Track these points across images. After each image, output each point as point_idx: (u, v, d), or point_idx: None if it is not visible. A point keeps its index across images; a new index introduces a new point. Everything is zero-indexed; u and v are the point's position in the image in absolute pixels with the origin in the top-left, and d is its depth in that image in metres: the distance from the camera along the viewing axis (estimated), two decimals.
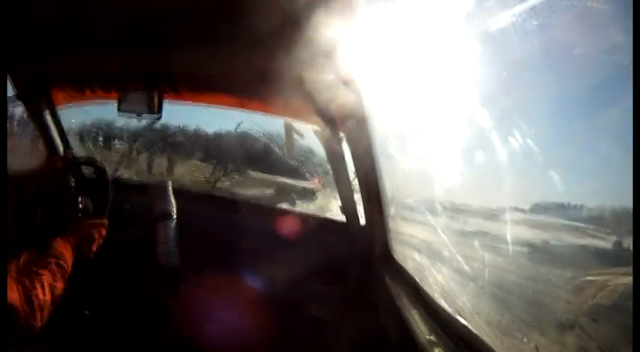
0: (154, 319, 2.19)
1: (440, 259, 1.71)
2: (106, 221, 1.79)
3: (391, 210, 1.83)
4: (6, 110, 2.19)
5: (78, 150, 2.68)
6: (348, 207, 2.10)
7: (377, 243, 1.91)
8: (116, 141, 3.15)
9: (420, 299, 1.47)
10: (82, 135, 2.83)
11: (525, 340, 1.23)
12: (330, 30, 1.23)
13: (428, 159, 1.73)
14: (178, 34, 1.69)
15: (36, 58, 2.11)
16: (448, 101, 1.50)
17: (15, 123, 2.79)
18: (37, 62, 2.15)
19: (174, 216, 2.11)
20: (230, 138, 3.22)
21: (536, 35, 1.07)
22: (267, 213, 2.45)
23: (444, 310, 1.34)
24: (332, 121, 1.78)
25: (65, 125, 2.59)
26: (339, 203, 2.14)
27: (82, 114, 2.72)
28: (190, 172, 3.19)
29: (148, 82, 2.11)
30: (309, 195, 3.00)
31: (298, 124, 2.27)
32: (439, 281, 1.60)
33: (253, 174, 3.25)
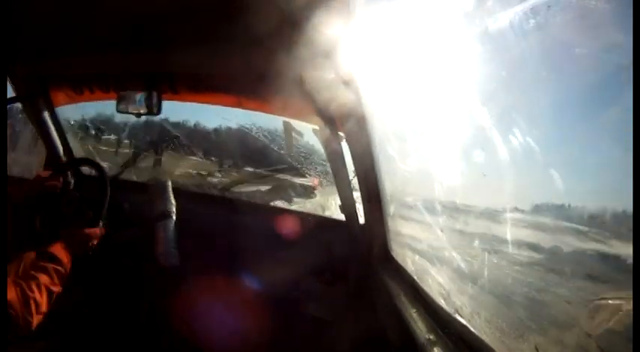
0: (154, 319, 2.19)
1: (439, 259, 1.71)
2: (103, 230, 1.82)
3: (391, 210, 1.83)
4: (6, 110, 2.19)
5: (76, 149, 2.68)
6: (347, 207, 2.11)
7: (376, 243, 1.91)
8: (111, 136, 3.14)
9: (420, 299, 1.47)
10: (78, 130, 2.82)
11: (525, 340, 1.23)
12: (329, 30, 1.23)
13: (427, 158, 1.72)
14: (177, 34, 1.69)
15: (35, 58, 2.11)
16: (448, 100, 1.49)
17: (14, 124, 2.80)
18: (36, 62, 2.15)
19: (174, 216, 2.11)
20: (226, 134, 3.21)
21: (536, 34, 1.07)
22: (267, 212, 2.45)
23: (443, 310, 1.34)
24: (331, 121, 1.78)
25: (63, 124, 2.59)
26: (339, 202, 2.14)
27: (77, 110, 2.72)
28: (185, 167, 3.18)
29: (147, 82, 2.11)
30: (306, 192, 2.99)
31: (298, 124, 2.27)
32: (438, 281, 1.60)
33: (249, 170, 3.25)
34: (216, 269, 2.12)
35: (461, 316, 1.28)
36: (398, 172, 1.81)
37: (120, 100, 2.19)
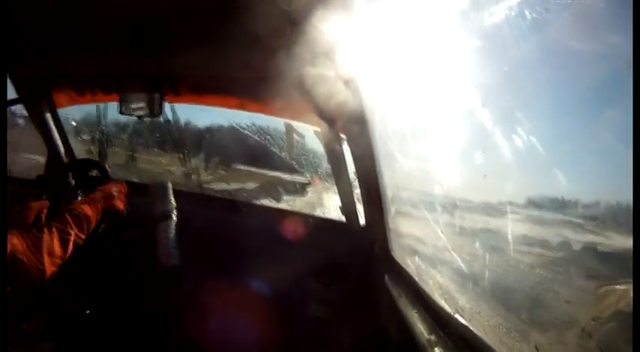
0: (154, 319, 2.19)
1: (440, 258, 1.71)
2: (124, 183, 1.79)
3: (391, 210, 1.83)
4: (6, 110, 2.20)
5: (78, 150, 2.69)
6: (348, 207, 2.11)
7: (377, 244, 1.91)
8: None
9: (420, 299, 1.47)
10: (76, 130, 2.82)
11: (526, 340, 1.22)
12: (329, 30, 1.23)
13: (428, 157, 1.72)
14: (178, 34, 1.69)
15: (36, 59, 2.12)
16: (449, 99, 1.50)
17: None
18: (38, 63, 2.16)
19: (175, 217, 2.11)
20: (219, 133, 3.21)
21: (537, 32, 1.07)
22: (268, 213, 2.45)
23: (443, 310, 1.34)
24: (332, 122, 1.79)
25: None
26: (339, 203, 2.15)
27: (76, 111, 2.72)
28: (172, 164, 3.17)
29: (149, 84, 2.12)
30: (300, 189, 2.98)
31: (298, 125, 2.27)
32: (439, 281, 1.60)
33: (243, 167, 3.25)
34: (217, 269, 2.12)
35: (461, 316, 1.27)
36: (398, 172, 1.81)
37: (122, 102, 2.19)
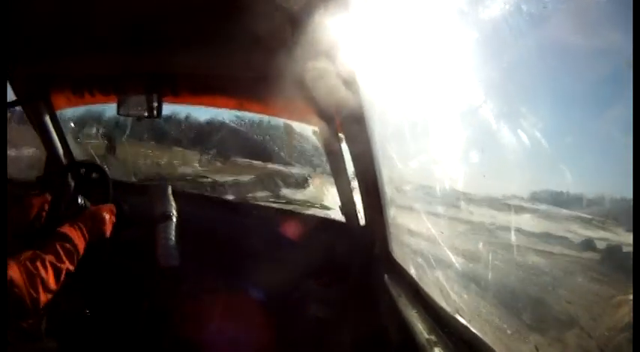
0: (154, 320, 2.19)
1: (440, 258, 1.71)
2: (113, 206, 1.78)
3: (391, 210, 1.83)
4: (6, 110, 2.20)
5: (76, 152, 2.68)
6: (347, 207, 2.11)
7: (377, 244, 1.91)
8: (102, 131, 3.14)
9: (420, 300, 1.47)
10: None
11: (525, 340, 1.23)
12: (329, 29, 1.23)
13: (428, 156, 1.73)
14: (177, 34, 1.69)
15: (35, 60, 2.11)
16: (449, 97, 1.50)
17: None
18: (36, 64, 2.16)
19: (174, 218, 2.11)
20: (218, 126, 3.21)
21: (537, 28, 1.07)
22: (267, 213, 2.44)
23: (443, 310, 1.34)
24: (331, 122, 1.78)
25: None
26: (339, 203, 2.15)
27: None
28: (174, 159, 3.17)
29: (148, 85, 2.12)
30: (299, 182, 2.98)
31: (298, 125, 2.27)
32: (439, 281, 1.60)
33: (238, 160, 3.24)
34: (217, 270, 2.12)
35: (461, 316, 1.27)
36: (398, 172, 1.81)
37: (120, 103, 2.19)
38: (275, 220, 2.26)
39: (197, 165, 3.23)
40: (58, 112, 2.53)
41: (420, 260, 1.81)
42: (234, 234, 2.23)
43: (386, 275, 1.76)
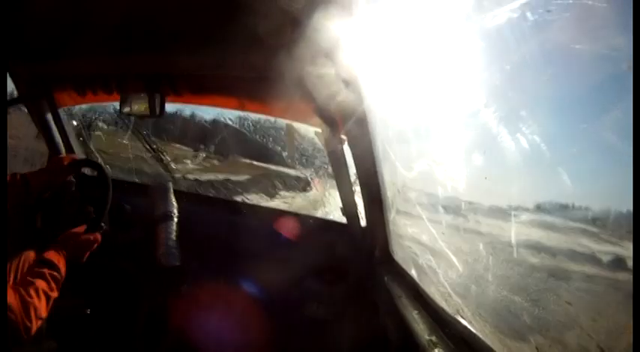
0: (155, 319, 2.19)
1: (441, 260, 1.71)
2: (99, 236, 1.79)
3: (392, 212, 1.83)
4: (6, 110, 2.20)
5: (78, 150, 2.69)
6: (349, 209, 2.11)
7: (378, 245, 1.91)
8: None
9: (421, 300, 1.47)
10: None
11: (526, 341, 1.22)
12: (331, 30, 1.23)
13: (429, 159, 1.72)
14: (179, 34, 1.69)
15: (37, 59, 2.12)
16: (451, 100, 1.50)
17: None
18: (39, 63, 2.16)
19: (175, 217, 2.11)
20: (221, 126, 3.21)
21: (539, 32, 1.07)
22: (268, 214, 2.45)
23: (444, 311, 1.34)
24: (333, 123, 1.78)
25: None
26: (340, 204, 2.14)
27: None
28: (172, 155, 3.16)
29: (150, 84, 2.12)
30: (300, 184, 2.98)
31: (299, 126, 2.27)
32: (440, 282, 1.60)
33: (237, 159, 3.24)
34: (218, 270, 2.12)
35: (462, 317, 1.27)
36: (399, 174, 1.81)
37: (123, 102, 2.19)
38: (276, 221, 2.26)
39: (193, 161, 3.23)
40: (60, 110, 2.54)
41: (420, 261, 1.81)
42: (235, 235, 2.23)
43: (386, 276, 1.76)
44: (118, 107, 2.19)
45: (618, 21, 0.95)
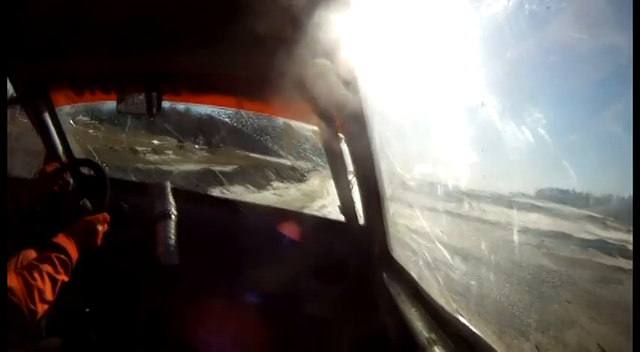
0: (154, 319, 2.19)
1: (440, 258, 1.71)
2: (107, 215, 1.79)
3: (390, 209, 1.83)
4: (6, 110, 2.19)
5: (76, 150, 2.68)
6: (347, 207, 2.11)
7: (376, 243, 1.91)
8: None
9: (420, 299, 1.47)
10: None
11: (526, 339, 1.23)
12: (330, 29, 1.23)
13: (428, 155, 1.73)
14: (177, 34, 1.69)
15: (37, 59, 2.11)
16: (450, 95, 1.50)
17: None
18: (38, 63, 2.15)
19: (174, 216, 2.11)
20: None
21: (540, 27, 1.07)
22: (267, 213, 2.45)
23: (443, 309, 1.34)
24: (331, 121, 1.78)
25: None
26: (338, 203, 2.15)
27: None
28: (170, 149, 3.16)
29: (148, 83, 2.11)
30: (295, 175, 2.99)
31: (297, 124, 2.28)
32: (439, 281, 1.60)
33: (228, 149, 3.24)
34: (217, 269, 2.12)
35: (461, 315, 1.28)
36: (398, 171, 1.81)
37: (120, 101, 2.19)
38: (275, 219, 2.26)
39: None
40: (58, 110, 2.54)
41: (419, 259, 1.81)
42: (234, 233, 2.23)
43: (385, 275, 1.76)
44: (116, 106, 2.19)
45: (617, 14, 0.96)
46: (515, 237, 1.42)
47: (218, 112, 2.92)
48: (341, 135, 1.82)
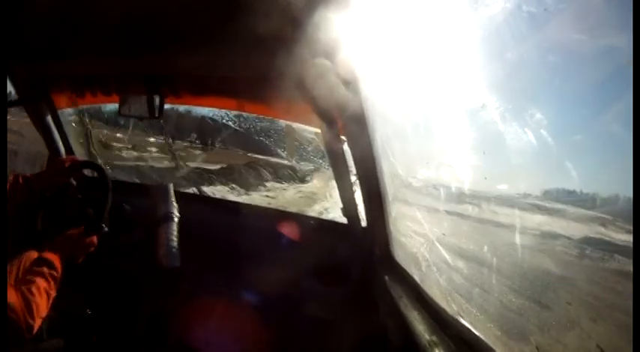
0: (156, 320, 2.19)
1: (442, 260, 1.71)
2: (95, 239, 1.77)
3: (393, 212, 1.83)
4: (6, 110, 2.20)
5: (78, 151, 2.69)
6: (349, 209, 2.10)
7: (378, 245, 1.91)
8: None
9: (422, 301, 1.47)
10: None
11: (527, 341, 1.22)
12: (330, 29, 1.23)
13: (429, 157, 1.72)
14: (178, 35, 1.69)
15: (37, 60, 2.12)
16: (452, 97, 1.49)
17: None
18: (39, 63, 2.16)
19: (176, 218, 2.11)
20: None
21: (540, 28, 1.06)
22: (269, 215, 2.45)
23: (445, 311, 1.34)
24: (333, 123, 1.78)
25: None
26: (341, 205, 2.14)
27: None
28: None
29: (149, 85, 2.12)
30: (293, 174, 3.00)
31: (299, 126, 2.28)
32: (441, 282, 1.60)
33: (224, 148, 3.25)
34: (218, 271, 2.12)
35: (463, 318, 1.27)
36: (400, 173, 1.81)
37: (122, 103, 2.19)
38: (277, 221, 2.26)
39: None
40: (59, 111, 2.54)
41: (421, 261, 1.80)
42: (235, 235, 2.23)
43: (387, 276, 1.75)
44: (118, 108, 2.19)
45: (618, 15, 0.95)
46: (518, 240, 1.42)
47: (220, 115, 2.93)
48: (343, 137, 1.82)
